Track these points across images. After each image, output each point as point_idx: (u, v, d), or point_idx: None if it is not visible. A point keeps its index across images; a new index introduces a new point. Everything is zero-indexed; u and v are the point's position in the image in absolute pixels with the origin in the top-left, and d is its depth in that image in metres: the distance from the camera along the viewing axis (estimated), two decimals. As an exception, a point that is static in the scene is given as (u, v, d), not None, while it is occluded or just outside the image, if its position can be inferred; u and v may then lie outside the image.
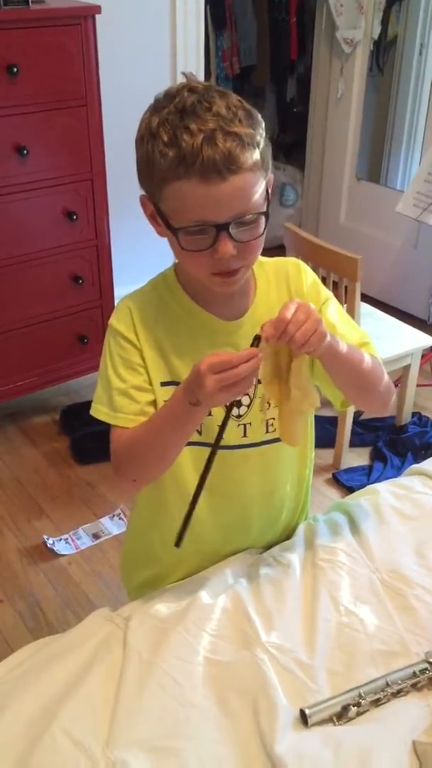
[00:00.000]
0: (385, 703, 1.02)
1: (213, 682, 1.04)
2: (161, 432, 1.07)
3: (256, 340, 0.95)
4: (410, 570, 1.22)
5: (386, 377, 1.18)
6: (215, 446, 1.01)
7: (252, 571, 1.21)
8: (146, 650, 1.07)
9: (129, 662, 1.05)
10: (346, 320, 1.19)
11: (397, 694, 1.02)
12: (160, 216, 1.01)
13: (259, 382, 1.04)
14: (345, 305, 2.28)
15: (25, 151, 2.25)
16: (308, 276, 1.17)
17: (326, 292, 1.19)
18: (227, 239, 0.97)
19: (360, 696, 1.01)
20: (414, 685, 1.04)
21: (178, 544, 1.05)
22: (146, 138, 0.97)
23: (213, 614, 1.12)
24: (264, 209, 1.00)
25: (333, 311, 1.17)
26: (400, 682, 1.03)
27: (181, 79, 1.02)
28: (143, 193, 1.03)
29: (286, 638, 1.09)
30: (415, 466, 1.53)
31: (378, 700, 1.01)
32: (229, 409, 1.00)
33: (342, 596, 1.16)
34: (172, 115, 0.94)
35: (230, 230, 0.96)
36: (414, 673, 1.04)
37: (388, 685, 1.02)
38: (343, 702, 1.00)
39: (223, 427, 1.00)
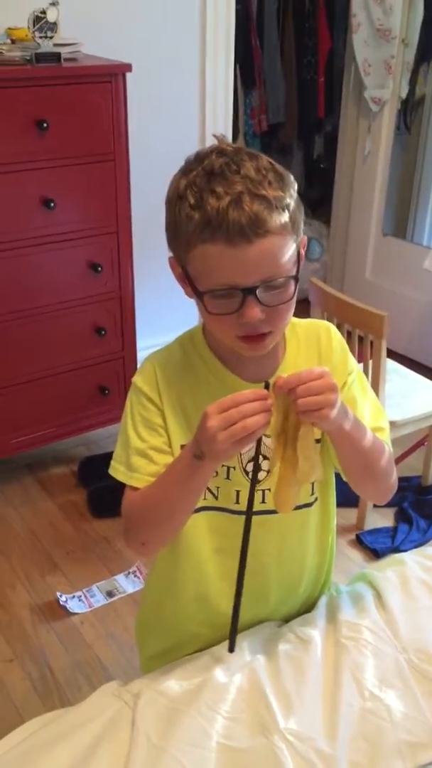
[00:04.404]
0: (412, 802, 0.94)
1: (226, 771, 0.97)
2: (167, 490, 1.03)
3: (267, 387, 0.91)
4: (439, 651, 1.14)
5: (394, 473, 1.13)
6: (249, 512, 0.97)
7: (270, 647, 1.14)
8: (155, 733, 1.00)
9: (136, 746, 0.98)
10: (369, 397, 1.15)
11: (425, 793, 0.95)
12: (187, 278, 0.99)
13: None
14: (371, 361, 2.23)
15: (52, 204, 2.26)
16: (338, 343, 1.14)
17: (353, 364, 1.15)
18: (254, 303, 0.94)
19: (385, 794, 0.93)
20: (444, 783, 0.96)
21: (231, 648, 1.02)
22: (174, 200, 0.96)
23: (228, 694, 1.05)
24: (294, 273, 0.97)
25: (357, 386, 1.13)
26: (428, 779, 0.95)
27: (209, 137, 1.01)
28: (171, 254, 1.01)
29: (305, 725, 1.01)
30: (444, 535, 1.46)
31: (404, 798, 0.94)
32: (255, 472, 0.97)
33: (366, 679, 1.09)
34: (199, 177, 0.93)
35: (257, 294, 0.93)
36: (444, 768, 0.96)
37: (415, 781, 0.95)
38: (366, 800, 0.93)
39: (252, 491, 0.96)
